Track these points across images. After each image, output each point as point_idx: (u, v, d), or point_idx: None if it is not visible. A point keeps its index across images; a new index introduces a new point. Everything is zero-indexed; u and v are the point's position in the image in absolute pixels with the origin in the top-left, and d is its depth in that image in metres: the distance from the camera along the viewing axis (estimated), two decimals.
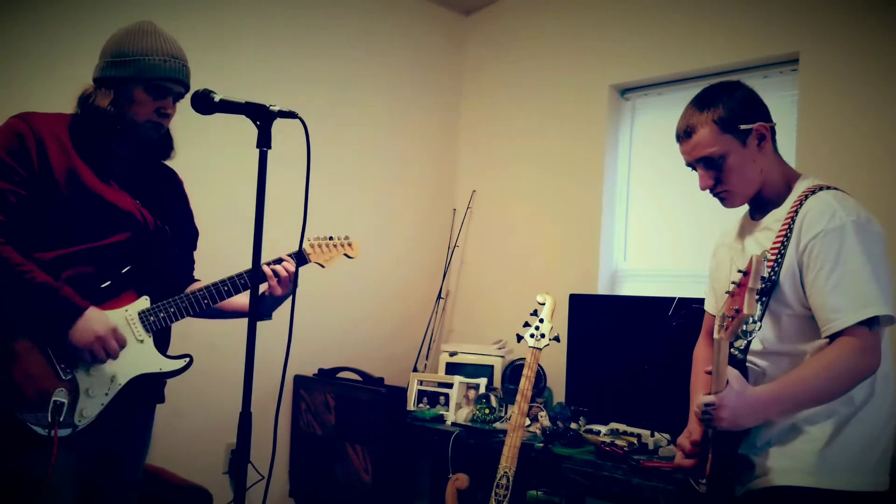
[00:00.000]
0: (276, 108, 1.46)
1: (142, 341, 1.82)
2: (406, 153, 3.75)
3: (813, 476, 1.58)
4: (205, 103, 1.50)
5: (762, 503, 1.64)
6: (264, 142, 1.45)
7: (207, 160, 2.93)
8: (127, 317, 1.80)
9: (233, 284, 1.90)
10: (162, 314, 1.84)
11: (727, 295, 1.50)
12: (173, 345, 1.97)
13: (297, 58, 3.29)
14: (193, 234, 2.06)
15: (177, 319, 1.87)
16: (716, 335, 1.49)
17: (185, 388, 2.85)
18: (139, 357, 1.81)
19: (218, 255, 2.90)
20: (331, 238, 2.11)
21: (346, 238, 2.14)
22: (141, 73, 1.76)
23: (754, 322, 1.45)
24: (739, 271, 1.47)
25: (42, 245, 1.72)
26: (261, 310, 1.94)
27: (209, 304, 1.88)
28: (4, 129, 1.73)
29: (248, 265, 1.51)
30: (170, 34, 1.83)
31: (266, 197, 1.47)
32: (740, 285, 1.45)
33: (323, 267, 2.08)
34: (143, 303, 1.84)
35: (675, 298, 2.61)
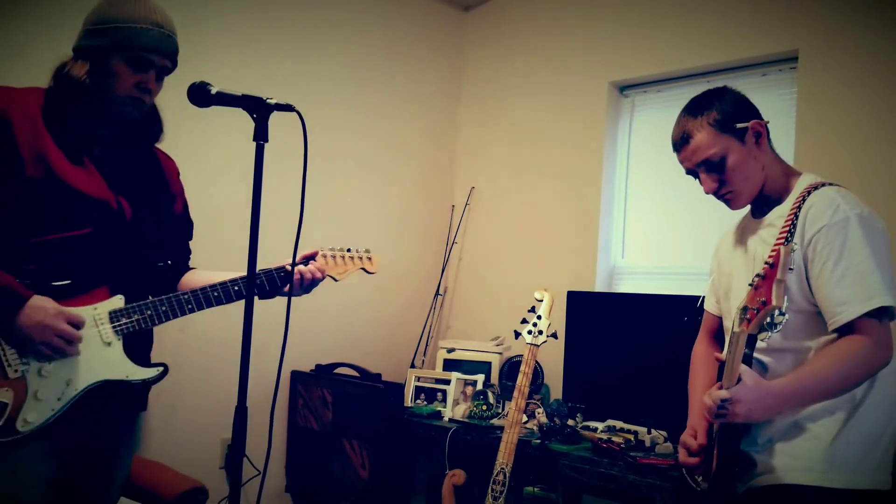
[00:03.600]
0: (272, 101, 1.44)
1: (109, 344, 1.63)
2: (404, 149, 3.74)
3: (816, 474, 1.58)
4: (201, 96, 1.48)
5: (764, 501, 1.64)
6: (261, 135, 1.44)
7: (207, 154, 2.92)
8: (95, 316, 1.63)
9: (224, 292, 1.74)
10: (136, 317, 1.66)
11: (749, 287, 1.47)
12: (168, 341, 1.92)
13: (295, 53, 3.28)
14: (187, 223, 1.91)
15: (154, 324, 1.69)
16: (736, 328, 1.47)
17: (182, 382, 2.87)
18: (103, 362, 1.62)
19: (215, 249, 2.91)
20: (349, 250, 1.96)
21: (367, 252, 2.00)
22: (121, 41, 1.59)
23: (781, 314, 1.42)
24: (766, 263, 1.43)
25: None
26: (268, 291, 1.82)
27: (193, 309, 1.71)
28: None
29: (243, 258, 1.47)
30: (159, 3, 1.67)
31: (263, 192, 1.46)
32: (765, 277, 1.42)
33: (336, 280, 1.92)
34: (117, 302, 1.66)
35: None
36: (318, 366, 3.28)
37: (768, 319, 1.43)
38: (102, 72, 1.61)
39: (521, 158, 3.66)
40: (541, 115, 3.59)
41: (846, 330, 1.55)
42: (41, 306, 1.53)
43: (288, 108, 1.46)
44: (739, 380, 1.48)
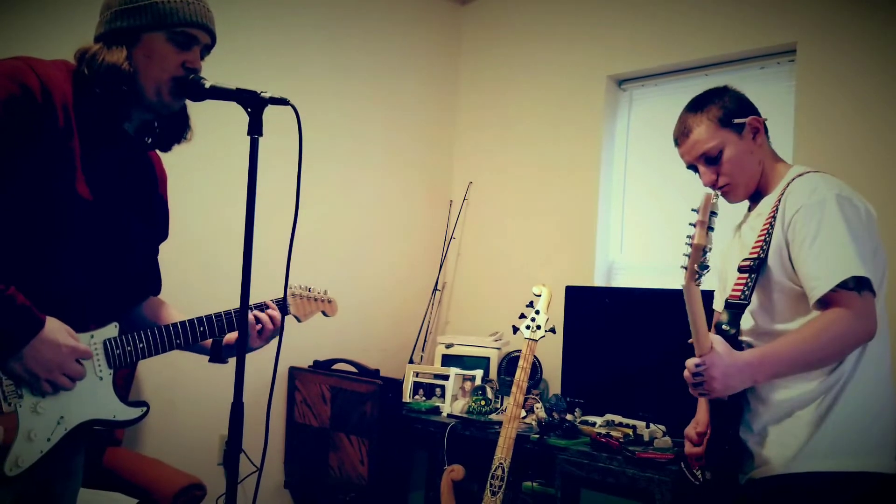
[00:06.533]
0: (267, 95, 1.42)
1: (101, 378, 1.46)
2: (402, 144, 3.73)
3: (811, 460, 1.58)
4: (195, 90, 1.47)
5: (763, 492, 1.64)
6: (255, 129, 1.42)
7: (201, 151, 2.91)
8: (91, 343, 1.45)
9: (209, 324, 1.59)
10: (130, 348, 1.49)
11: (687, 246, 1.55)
12: None
13: (291, 47, 3.27)
14: (164, 235, 1.72)
15: (144, 357, 1.53)
16: (682, 284, 1.52)
17: (179, 379, 2.87)
18: (95, 398, 1.45)
19: (206, 250, 2.90)
20: (309, 290, 1.84)
21: (325, 293, 1.89)
22: (161, 18, 1.44)
23: (706, 253, 1.52)
24: (693, 210, 1.55)
25: None
26: (222, 353, 1.64)
27: (181, 344, 1.56)
28: (2, 72, 1.33)
29: (238, 263, 1.39)
30: None
31: (257, 194, 1.43)
32: (695, 224, 1.53)
33: (300, 321, 1.82)
34: (111, 330, 1.49)
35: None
36: (315, 362, 3.27)
37: (700, 260, 1.50)
38: (144, 55, 1.44)
39: (519, 153, 3.65)
40: (539, 108, 3.58)
41: (826, 304, 1.54)
42: (53, 340, 1.35)
43: (282, 101, 1.44)
44: (712, 348, 1.51)
